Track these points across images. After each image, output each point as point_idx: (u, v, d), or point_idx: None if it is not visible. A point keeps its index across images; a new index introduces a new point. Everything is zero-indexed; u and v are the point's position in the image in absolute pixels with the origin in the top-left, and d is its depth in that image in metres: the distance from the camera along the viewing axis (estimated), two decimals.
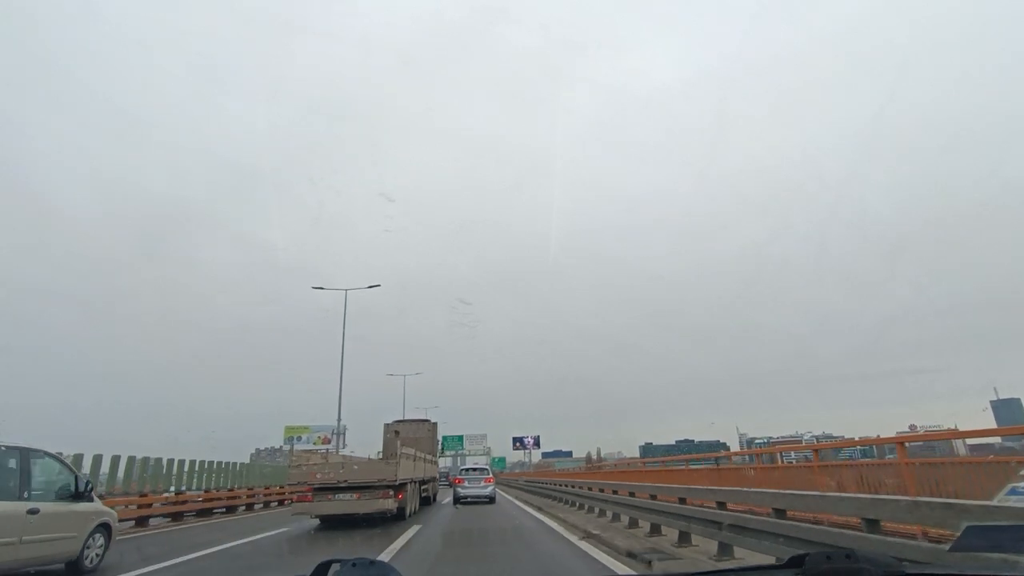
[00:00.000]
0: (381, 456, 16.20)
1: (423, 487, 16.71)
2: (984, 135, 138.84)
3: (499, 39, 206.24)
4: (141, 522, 13.71)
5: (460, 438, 70.48)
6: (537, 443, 73.87)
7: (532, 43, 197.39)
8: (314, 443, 58.06)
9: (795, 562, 1.39)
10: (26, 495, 6.62)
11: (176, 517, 15.19)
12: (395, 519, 12.65)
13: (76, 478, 7.70)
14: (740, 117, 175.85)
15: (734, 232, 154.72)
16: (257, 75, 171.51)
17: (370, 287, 29.69)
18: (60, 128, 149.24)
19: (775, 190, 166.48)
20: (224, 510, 18.24)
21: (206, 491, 18.16)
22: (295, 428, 60.64)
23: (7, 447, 6.71)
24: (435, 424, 22.32)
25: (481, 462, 52.72)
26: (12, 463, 6.67)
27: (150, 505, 14.28)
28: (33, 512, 6.57)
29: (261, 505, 21.40)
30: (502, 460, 75.68)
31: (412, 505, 14.11)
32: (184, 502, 15.91)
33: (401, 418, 25.33)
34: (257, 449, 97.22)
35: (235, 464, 23.82)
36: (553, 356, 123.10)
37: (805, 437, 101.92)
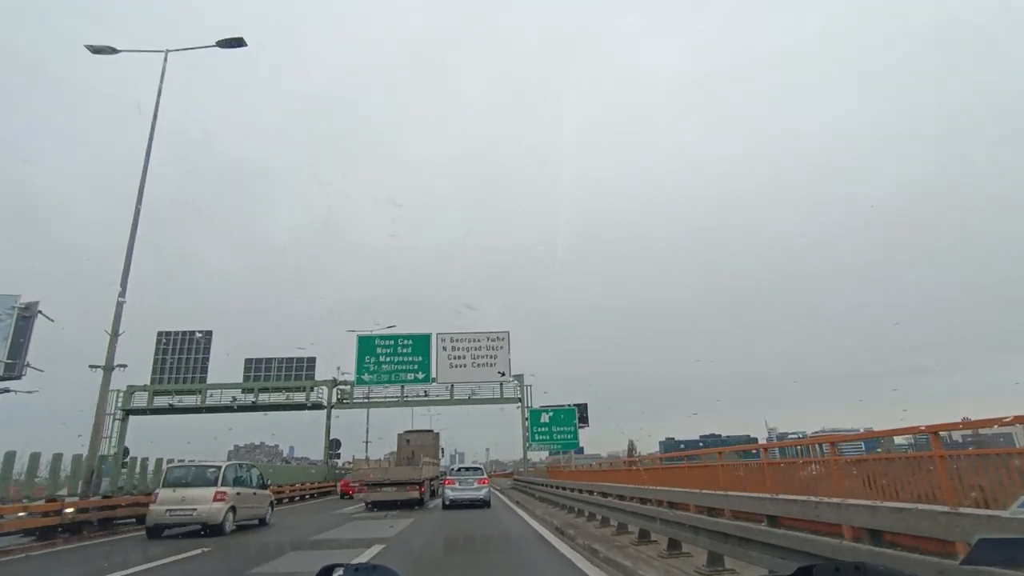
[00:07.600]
0: (394, 458, 23.82)
1: (432, 483, 23.85)
2: (996, 131, 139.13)
3: (505, 40, 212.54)
4: None
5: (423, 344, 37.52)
6: (584, 417, 40.19)
7: (537, 44, 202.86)
8: None
9: (803, 573, 1.40)
10: (251, 484, 14.16)
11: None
12: (417, 503, 19.87)
13: (261, 475, 15.26)
14: (746, 115, 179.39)
15: (741, 231, 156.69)
16: (268, 79, 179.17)
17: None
18: (62, 125, 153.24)
19: (781, 188, 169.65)
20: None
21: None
22: None
23: (244, 463, 14.34)
24: (438, 434, 29.39)
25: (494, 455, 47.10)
26: (244, 469, 14.24)
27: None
28: (253, 493, 14.09)
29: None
30: (571, 412, 38.75)
31: (427, 495, 21.53)
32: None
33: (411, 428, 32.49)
34: (236, 446, 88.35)
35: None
36: (558, 357, 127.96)
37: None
